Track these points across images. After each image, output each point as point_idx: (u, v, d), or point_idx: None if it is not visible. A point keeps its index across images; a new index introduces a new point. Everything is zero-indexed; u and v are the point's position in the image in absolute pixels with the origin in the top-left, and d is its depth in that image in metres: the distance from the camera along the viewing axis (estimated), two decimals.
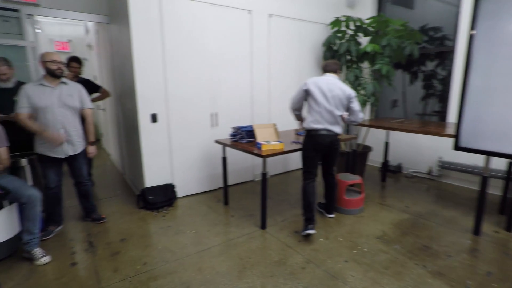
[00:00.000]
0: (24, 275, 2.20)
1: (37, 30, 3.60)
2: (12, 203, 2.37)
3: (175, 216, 3.18)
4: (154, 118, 3.32)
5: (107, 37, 4.16)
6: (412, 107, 4.73)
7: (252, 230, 2.88)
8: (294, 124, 4.56)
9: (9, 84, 2.87)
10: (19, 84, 2.85)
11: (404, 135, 4.50)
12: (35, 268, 2.28)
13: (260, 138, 2.99)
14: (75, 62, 3.67)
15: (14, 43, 3.41)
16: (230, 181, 3.95)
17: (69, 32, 6.44)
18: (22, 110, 2.51)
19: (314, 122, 2.66)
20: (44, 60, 2.57)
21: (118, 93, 4.11)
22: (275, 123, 3.37)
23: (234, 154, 3.88)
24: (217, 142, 3.26)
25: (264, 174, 2.75)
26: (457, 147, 2.62)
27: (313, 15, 4.50)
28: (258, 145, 2.80)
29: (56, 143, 2.61)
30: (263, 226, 2.90)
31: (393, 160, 4.75)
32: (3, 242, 2.31)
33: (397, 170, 4.68)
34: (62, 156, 2.68)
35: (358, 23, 4.20)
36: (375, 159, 5.00)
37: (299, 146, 2.93)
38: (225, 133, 3.69)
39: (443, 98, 4.32)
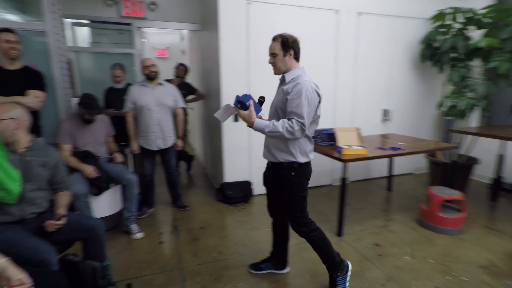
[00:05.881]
0: (123, 245, 2.57)
1: (143, 40, 4.21)
2: (117, 185, 2.79)
3: (250, 212, 3.26)
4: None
5: (199, 43, 4.56)
6: None
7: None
8: (380, 129, 4.21)
9: (120, 85, 3.43)
10: (128, 85, 3.37)
11: None
12: (131, 241, 2.64)
13: (341, 141, 2.82)
14: (182, 65, 4.33)
15: (126, 51, 4.07)
16: None
17: (167, 40, 7.33)
18: (127, 109, 2.97)
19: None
20: (141, 66, 3.00)
21: (205, 93, 4.46)
22: (359, 127, 3.15)
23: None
24: None
25: (343, 179, 2.59)
26: None
27: (411, 9, 4.05)
28: (338, 149, 2.65)
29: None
30: (339, 233, 2.73)
31: (509, 177, 3.90)
32: (110, 215, 2.76)
33: None
34: (155, 149, 3.03)
35: (469, 15, 3.60)
36: (483, 173, 4.20)
37: (384, 152, 2.67)
38: None
39: None
